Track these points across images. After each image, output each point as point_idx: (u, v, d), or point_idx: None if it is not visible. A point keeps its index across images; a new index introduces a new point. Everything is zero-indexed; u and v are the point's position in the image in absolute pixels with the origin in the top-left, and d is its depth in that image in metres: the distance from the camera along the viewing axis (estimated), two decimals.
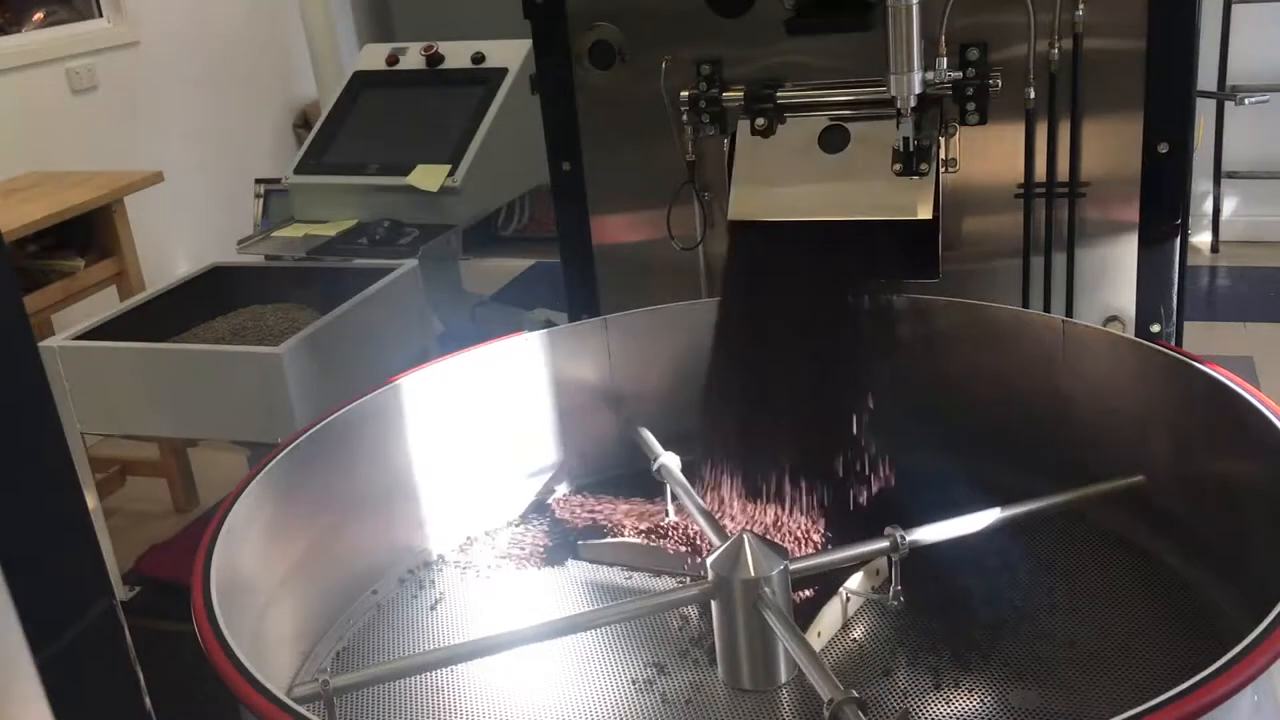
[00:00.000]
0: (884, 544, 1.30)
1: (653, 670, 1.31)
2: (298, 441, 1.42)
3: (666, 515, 1.55)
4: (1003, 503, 1.38)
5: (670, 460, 1.56)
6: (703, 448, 1.59)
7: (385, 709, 1.29)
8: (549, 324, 1.79)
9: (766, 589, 1.21)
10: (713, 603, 1.25)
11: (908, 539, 1.29)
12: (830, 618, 1.34)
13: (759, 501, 1.52)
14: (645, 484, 1.60)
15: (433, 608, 1.49)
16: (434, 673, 1.31)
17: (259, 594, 1.31)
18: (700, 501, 1.48)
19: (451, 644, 1.36)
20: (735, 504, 1.53)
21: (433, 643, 1.41)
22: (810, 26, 1.64)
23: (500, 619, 1.42)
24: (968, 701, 1.22)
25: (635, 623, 1.38)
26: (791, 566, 1.24)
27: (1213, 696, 0.91)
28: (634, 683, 1.29)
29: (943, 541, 1.33)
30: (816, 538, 1.47)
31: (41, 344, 2.34)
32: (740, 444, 1.58)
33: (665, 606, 1.35)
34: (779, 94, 1.68)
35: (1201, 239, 4.92)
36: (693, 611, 1.39)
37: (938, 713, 1.21)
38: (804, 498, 1.50)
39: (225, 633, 1.11)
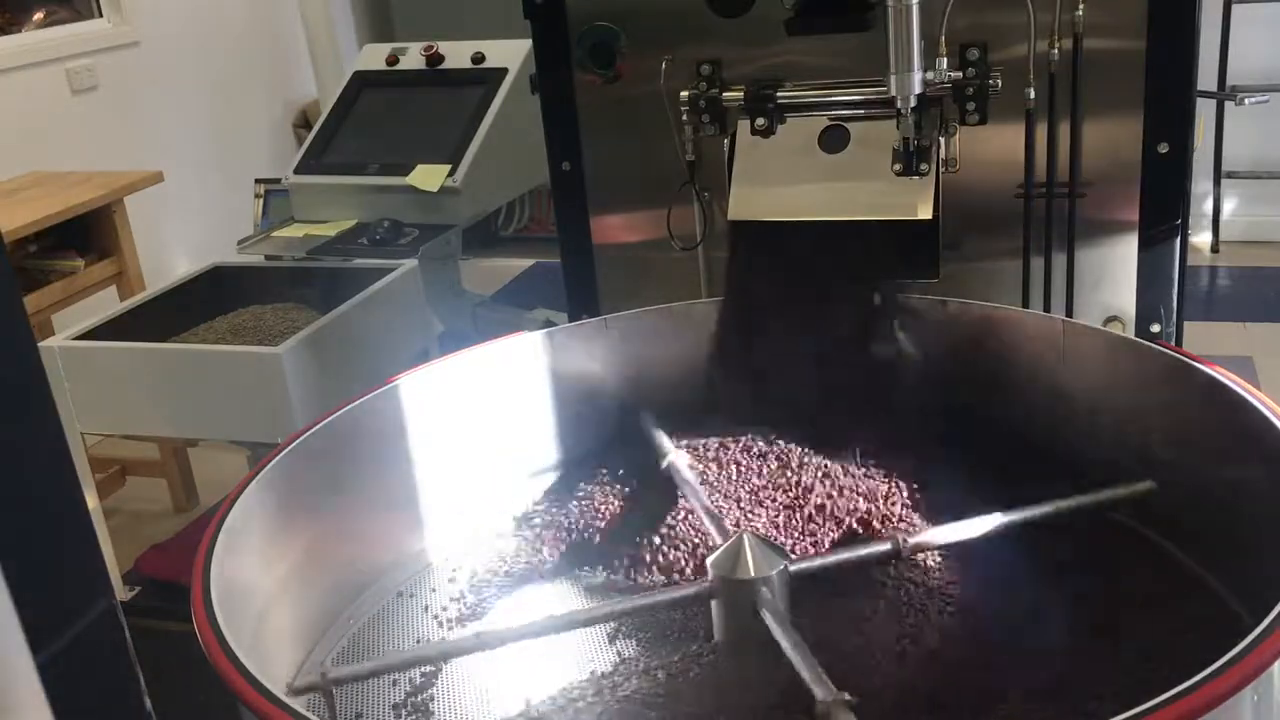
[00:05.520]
0: (886, 546, 1.31)
1: (652, 670, 1.30)
2: (298, 441, 1.42)
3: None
4: (1003, 503, 1.38)
5: (679, 458, 1.55)
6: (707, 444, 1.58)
7: (383, 704, 1.29)
8: (549, 324, 1.78)
9: (765, 589, 1.20)
10: (712, 603, 1.25)
11: (910, 542, 1.30)
12: None
13: (761, 501, 1.51)
14: (646, 484, 1.60)
15: (432, 608, 1.49)
16: (430, 668, 1.31)
17: (259, 594, 1.31)
18: (706, 501, 1.47)
19: (450, 639, 1.36)
20: (739, 503, 1.53)
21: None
22: (810, 26, 1.63)
23: (499, 617, 1.43)
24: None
25: (635, 623, 1.38)
26: (791, 568, 1.24)
27: (1213, 696, 0.91)
28: (632, 684, 1.29)
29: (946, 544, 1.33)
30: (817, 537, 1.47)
31: (41, 344, 2.34)
32: (741, 442, 1.58)
33: (663, 606, 1.34)
34: (779, 94, 1.68)
35: (1201, 239, 4.93)
36: (693, 611, 1.38)
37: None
38: (804, 497, 1.50)
39: (225, 633, 1.10)
